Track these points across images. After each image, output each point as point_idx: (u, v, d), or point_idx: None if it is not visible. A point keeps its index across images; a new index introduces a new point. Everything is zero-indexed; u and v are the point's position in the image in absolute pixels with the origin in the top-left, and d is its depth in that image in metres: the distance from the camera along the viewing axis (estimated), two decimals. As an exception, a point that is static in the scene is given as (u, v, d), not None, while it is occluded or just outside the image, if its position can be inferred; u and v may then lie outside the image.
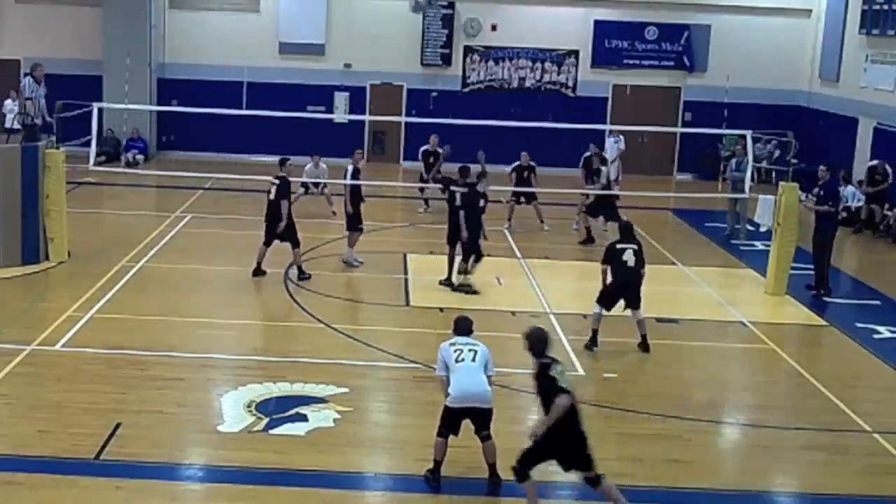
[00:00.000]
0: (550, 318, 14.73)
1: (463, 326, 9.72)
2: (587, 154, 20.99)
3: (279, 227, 16.01)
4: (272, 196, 16.14)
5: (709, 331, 14.79)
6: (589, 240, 19.72)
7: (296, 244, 16.27)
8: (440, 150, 22.10)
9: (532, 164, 20.91)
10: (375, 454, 10.34)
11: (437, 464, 9.54)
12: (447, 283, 16.11)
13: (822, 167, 17.31)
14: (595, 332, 13.47)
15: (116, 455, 9.75)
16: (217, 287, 15.86)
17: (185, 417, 10.84)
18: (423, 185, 22.01)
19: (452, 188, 16.27)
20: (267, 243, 16.25)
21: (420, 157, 22.55)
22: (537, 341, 8.92)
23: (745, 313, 15.63)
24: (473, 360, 9.33)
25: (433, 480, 9.54)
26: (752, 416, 11.79)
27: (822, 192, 16.91)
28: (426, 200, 22.41)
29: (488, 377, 9.42)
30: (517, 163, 20.98)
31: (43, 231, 16.48)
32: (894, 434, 11.19)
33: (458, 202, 16.02)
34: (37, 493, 9.01)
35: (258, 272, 16.19)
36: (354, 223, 17.10)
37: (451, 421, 9.43)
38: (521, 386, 11.95)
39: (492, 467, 9.56)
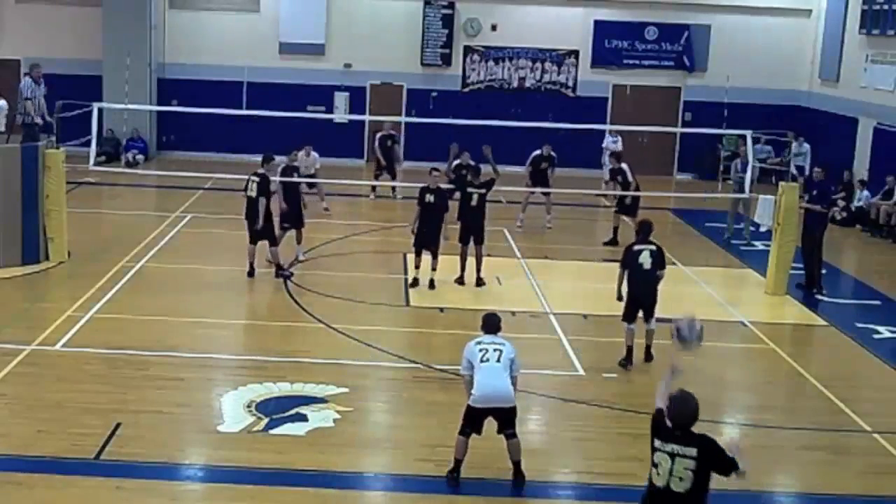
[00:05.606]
0: (550, 319, 14.74)
1: (490, 324, 9.82)
2: (537, 153, 21.06)
3: (257, 225, 15.82)
4: (253, 193, 15.88)
5: (709, 331, 14.53)
6: (614, 241, 19.49)
7: (273, 242, 16.19)
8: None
9: (553, 154, 21.02)
10: (375, 454, 10.33)
11: (458, 462, 9.57)
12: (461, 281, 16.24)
13: (817, 169, 18.32)
14: (629, 348, 12.91)
15: (116, 455, 9.75)
16: (217, 287, 15.83)
17: (185, 417, 10.84)
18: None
19: (470, 190, 16.32)
20: (253, 242, 16.11)
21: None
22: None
23: (745, 313, 15.63)
24: (498, 360, 9.44)
25: (453, 480, 9.55)
26: (752, 416, 11.79)
27: (815, 192, 17.40)
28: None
29: (513, 377, 9.50)
30: (538, 152, 21.01)
31: (43, 231, 16.45)
32: (894, 434, 11.19)
33: (474, 202, 16.22)
34: (37, 493, 9.01)
35: (252, 273, 16.13)
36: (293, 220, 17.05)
37: (473, 420, 9.50)
38: (521, 386, 11.92)
39: (516, 465, 9.62)
